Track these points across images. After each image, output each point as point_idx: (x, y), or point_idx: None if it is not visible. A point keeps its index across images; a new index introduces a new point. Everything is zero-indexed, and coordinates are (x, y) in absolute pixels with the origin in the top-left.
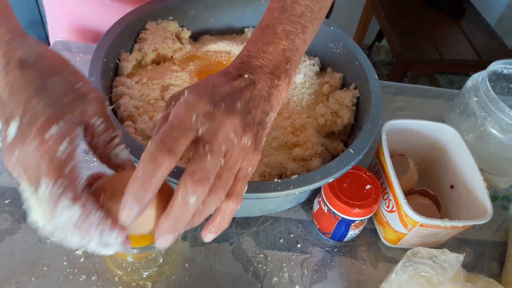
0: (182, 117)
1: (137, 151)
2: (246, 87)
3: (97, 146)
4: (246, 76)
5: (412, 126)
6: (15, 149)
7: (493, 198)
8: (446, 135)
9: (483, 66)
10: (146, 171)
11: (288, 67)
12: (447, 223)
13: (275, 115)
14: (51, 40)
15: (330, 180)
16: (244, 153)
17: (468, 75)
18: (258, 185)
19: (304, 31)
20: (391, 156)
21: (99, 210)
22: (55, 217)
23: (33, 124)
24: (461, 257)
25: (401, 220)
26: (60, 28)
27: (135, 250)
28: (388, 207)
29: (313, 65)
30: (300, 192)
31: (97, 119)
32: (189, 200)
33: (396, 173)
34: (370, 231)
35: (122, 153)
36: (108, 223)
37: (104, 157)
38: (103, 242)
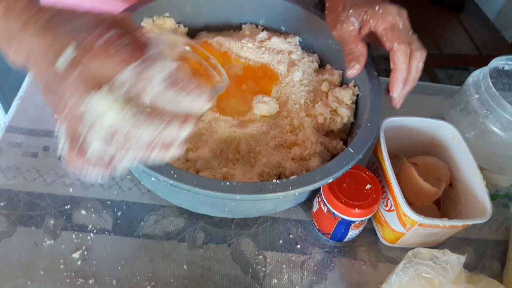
0: None
1: None
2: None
3: None
4: None
5: (410, 123)
6: (78, 66)
7: (494, 196)
8: (445, 133)
9: (482, 60)
10: None
11: None
12: (446, 223)
13: None
14: None
15: (330, 181)
16: None
17: (468, 69)
18: (257, 186)
19: None
20: (391, 157)
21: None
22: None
23: (94, 33)
24: (462, 258)
25: (399, 220)
26: None
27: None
28: (386, 206)
29: (312, 62)
30: (299, 193)
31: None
32: None
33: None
34: (370, 231)
35: None
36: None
37: None
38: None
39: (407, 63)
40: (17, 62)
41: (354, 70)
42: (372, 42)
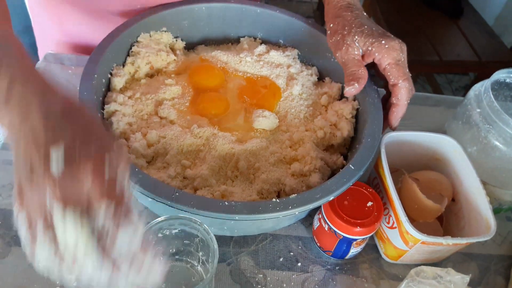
0: None
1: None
2: None
3: None
4: None
5: (411, 138)
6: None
7: (497, 210)
8: (446, 147)
9: (482, 66)
10: None
11: None
12: (449, 241)
13: None
14: (40, 53)
15: (331, 199)
16: None
17: (467, 75)
18: (256, 205)
19: None
20: (391, 171)
21: None
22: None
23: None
24: (467, 278)
25: (402, 237)
26: (49, 40)
27: None
28: (388, 223)
29: (311, 75)
30: (299, 212)
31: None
32: None
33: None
34: (372, 248)
35: None
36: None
37: None
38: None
39: (408, 100)
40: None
41: (353, 89)
42: (375, 73)
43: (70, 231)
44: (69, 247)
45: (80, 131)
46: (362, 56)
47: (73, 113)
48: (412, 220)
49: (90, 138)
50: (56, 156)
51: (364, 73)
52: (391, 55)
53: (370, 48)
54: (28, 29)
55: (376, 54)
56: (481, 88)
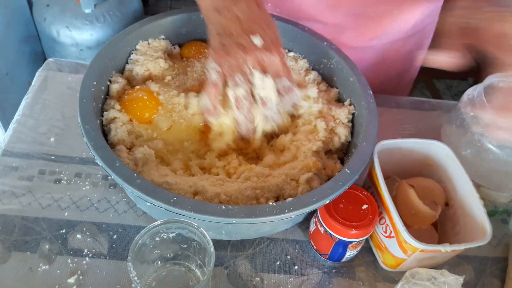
0: None
1: (127, 179)
2: None
3: None
4: None
5: (402, 145)
6: (260, 52)
7: (493, 212)
8: (438, 152)
9: (480, 71)
10: None
11: None
12: (448, 248)
13: None
14: None
15: (327, 202)
16: None
17: (466, 80)
18: (253, 209)
19: None
20: (384, 179)
21: None
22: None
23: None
24: (460, 279)
25: (400, 246)
26: None
27: None
28: (385, 232)
29: (313, 80)
30: (295, 216)
31: None
32: None
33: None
34: (368, 251)
35: None
36: None
37: None
38: None
39: None
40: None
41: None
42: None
43: (268, 87)
44: (263, 95)
45: (268, 26)
46: None
47: (262, 8)
48: (407, 226)
49: (275, 31)
50: (257, 41)
51: None
52: None
53: None
54: (31, 38)
55: None
56: (474, 92)
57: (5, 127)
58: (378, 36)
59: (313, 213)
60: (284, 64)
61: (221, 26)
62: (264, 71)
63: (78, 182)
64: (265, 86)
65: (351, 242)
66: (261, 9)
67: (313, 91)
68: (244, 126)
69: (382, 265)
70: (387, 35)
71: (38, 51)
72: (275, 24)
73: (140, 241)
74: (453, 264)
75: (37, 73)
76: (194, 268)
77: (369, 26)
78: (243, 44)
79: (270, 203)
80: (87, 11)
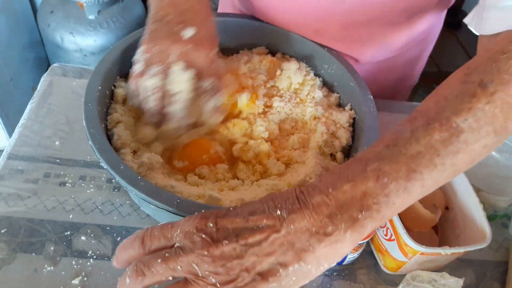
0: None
1: (131, 181)
2: (266, 228)
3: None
4: (277, 213)
5: None
6: (188, 46)
7: (493, 217)
8: None
9: None
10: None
11: (359, 216)
12: (447, 251)
13: (313, 269)
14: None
15: None
16: None
17: None
18: None
19: (409, 178)
20: None
21: None
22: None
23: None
24: (460, 282)
25: (400, 249)
26: None
27: None
28: (386, 235)
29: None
30: None
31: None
32: None
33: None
34: (369, 254)
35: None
36: None
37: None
38: None
39: None
40: None
41: None
42: None
43: (181, 81)
44: (174, 90)
45: (204, 22)
46: None
47: (203, 4)
48: (408, 230)
49: (211, 29)
50: (189, 32)
51: None
52: None
53: None
54: (35, 44)
55: None
56: None
57: (9, 131)
58: (372, 55)
59: None
60: (210, 63)
61: (159, 10)
62: (188, 65)
63: (83, 185)
64: (178, 80)
65: None
66: (202, 4)
67: (243, 97)
68: (149, 115)
69: (383, 268)
70: (381, 54)
71: (42, 57)
72: (214, 22)
73: None
74: (454, 268)
75: (42, 78)
76: None
77: (358, 49)
78: (173, 33)
79: None
80: (91, 17)
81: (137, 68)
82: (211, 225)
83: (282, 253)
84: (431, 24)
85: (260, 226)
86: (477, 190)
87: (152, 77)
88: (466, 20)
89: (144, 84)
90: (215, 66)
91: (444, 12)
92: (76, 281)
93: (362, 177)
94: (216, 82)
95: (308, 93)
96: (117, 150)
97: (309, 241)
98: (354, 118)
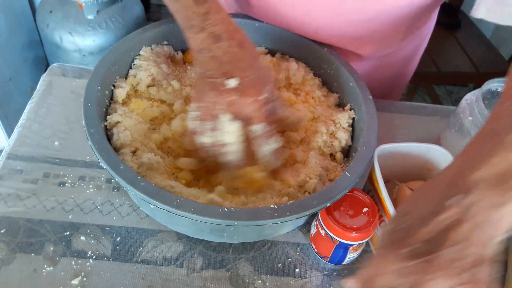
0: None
1: (130, 181)
2: (453, 224)
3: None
4: (458, 197)
5: (402, 149)
6: (232, 96)
7: None
8: (437, 156)
9: (480, 77)
10: None
11: None
12: None
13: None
14: None
15: (327, 205)
16: None
17: (467, 86)
18: (254, 212)
19: None
20: (384, 182)
21: None
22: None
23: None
24: None
25: None
26: None
27: None
28: None
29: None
30: (297, 218)
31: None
32: None
33: None
34: (369, 254)
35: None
36: None
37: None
38: None
39: None
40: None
41: None
42: None
43: (230, 132)
44: (224, 140)
45: (248, 68)
46: None
47: (246, 48)
48: None
49: (258, 73)
50: (232, 82)
51: None
52: None
53: None
54: (34, 44)
55: None
56: (472, 97)
57: (8, 131)
58: (375, 50)
59: (314, 216)
60: (259, 108)
61: (202, 68)
62: (236, 115)
63: (82, 185)
64: (227, 131)
65: (351, 245)
66: (244, 49)
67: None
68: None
69: None
70: (383, 49)
71: (41, 56)
72: (261, 65)
73: None
74: None
75: (42, 78)
76: None
77: (361, 45)
78: (217, 85)
79: (272, 206)
80: (90, 17)
81: (192, 126)
82: (409, 247)
83: (478, 235)
84: (429, 17)
85: (448, 223)
86: None
87: (206, 135)
88: (479, 15)
89: (200, 142)
90: (265, 110)
91: (438, 8)
92: (75, 281)
93: (504, 149)
94: (267, 127)
95: (308, 93)
96: (116, 150)
97: (486, 216)
98: (353, 118)
